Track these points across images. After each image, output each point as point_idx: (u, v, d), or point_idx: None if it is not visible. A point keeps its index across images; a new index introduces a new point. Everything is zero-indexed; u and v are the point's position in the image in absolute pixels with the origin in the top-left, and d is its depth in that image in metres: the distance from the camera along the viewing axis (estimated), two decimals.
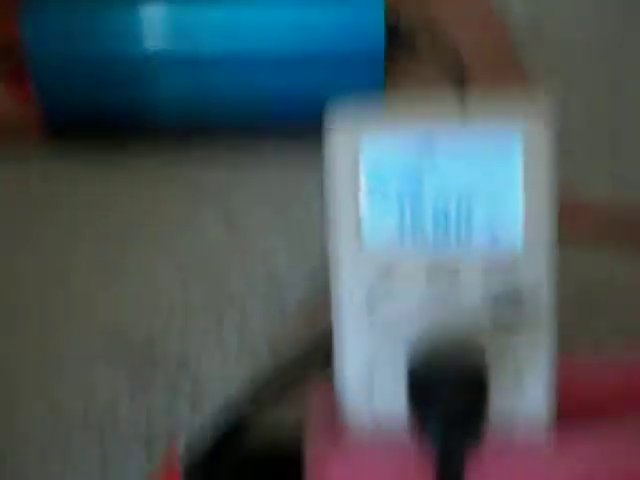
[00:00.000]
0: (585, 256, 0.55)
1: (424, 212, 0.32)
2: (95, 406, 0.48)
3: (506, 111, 0.32)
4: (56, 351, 0.52)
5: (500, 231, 0.32)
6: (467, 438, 0.29)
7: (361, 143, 0.32)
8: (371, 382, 0.34)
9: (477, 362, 0.31)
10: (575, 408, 0.35)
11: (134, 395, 0.48)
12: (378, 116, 0.32)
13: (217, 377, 0.48)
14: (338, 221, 0.33)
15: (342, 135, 0.32)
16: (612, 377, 0.38)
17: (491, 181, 0.32)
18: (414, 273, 0.33)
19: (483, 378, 0.30)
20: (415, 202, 0.32)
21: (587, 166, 0.61)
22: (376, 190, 0.32)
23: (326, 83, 0.61)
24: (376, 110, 0.33)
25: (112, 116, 0.64)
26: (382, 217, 0.33)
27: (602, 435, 0.33)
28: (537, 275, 0.32)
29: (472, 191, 0.32)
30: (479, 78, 0.67)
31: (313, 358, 0.48)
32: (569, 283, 0.36)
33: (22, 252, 0.58)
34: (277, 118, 0.64)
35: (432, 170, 0.32)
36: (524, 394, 0.33)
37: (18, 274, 0.57)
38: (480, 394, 0.30)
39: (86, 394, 0.49)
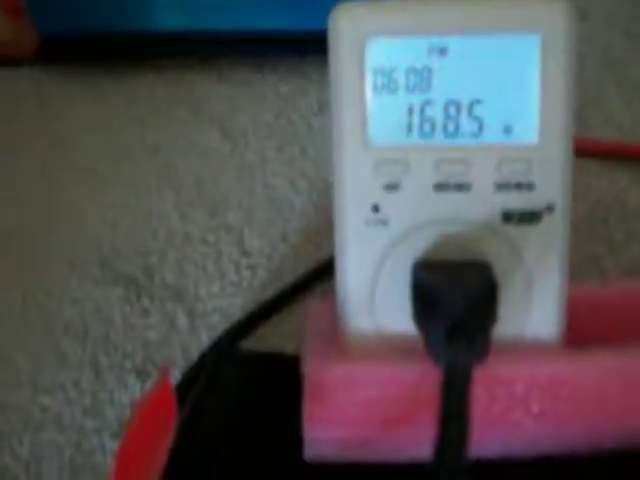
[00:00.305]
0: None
1: (434, 104, 0.30)
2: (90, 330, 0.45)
3: (524, 9, 0.29)
4: (51, 268, 0.49)
5: (515, 123, 0.30)
6: (473, 350, 0.27)
7: (367, 37, 0.29)
8: (374, 293, 0.32)
9: (484, 275, 0.29)
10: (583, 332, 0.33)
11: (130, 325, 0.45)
12: (387, 9, 0.30)
13: (214, 308, 0.46)
14: (342, 120, 0.30)
15: (347, 28, 0.30)
16: (617, 305, 0.36)
17: (507, 75, 0.29)
18: (423, 168, 0.30)
19: (490, 290, 0.28)
20: (424, 96, 0.30)
21: None
22: (383, 86, 0.30)
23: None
24: (387, 3, 0.30)
25: (107, 38, 0.61)
26: (389, 113, 0.30)
27: (612, 351, 0.31)
28: (552, 171, 0.30)
29: (486, 84, 0.30)
30: None
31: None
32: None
33: (20, 165, 0.56)
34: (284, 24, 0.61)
35: (443, 66, 0.29)
36: (534, 310, 0.31)
37: (16, 188, 0.55)
38: (487, 311, 0.28)
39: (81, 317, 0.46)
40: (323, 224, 0.48)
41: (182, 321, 0.45)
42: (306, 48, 0.63)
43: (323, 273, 0.45)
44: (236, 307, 0.46)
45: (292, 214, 0.52)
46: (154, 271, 0.48)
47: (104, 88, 0.63)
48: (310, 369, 0.32)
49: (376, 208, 0.31)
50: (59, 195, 0.54)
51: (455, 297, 0.27)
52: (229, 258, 0.48)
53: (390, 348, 0.32)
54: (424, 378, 0.29)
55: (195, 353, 0.43)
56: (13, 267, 0.49)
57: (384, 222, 0.31)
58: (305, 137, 0.57)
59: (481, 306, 0.28)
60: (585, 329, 0.36)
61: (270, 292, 0.46)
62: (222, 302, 0.46)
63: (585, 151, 0.55)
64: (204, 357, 0.41)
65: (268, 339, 0.44)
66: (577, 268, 0.44)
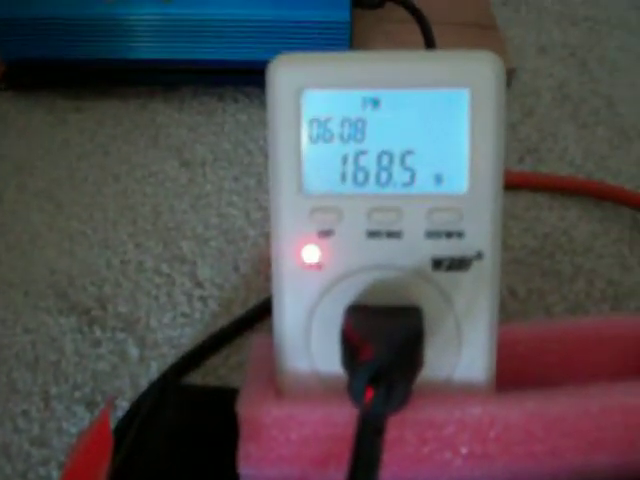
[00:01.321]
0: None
1: (368, 154, 0.31)
2: (41, 359, 0.46)
3: (453, 65, 0.30)
4: (6, 295, 0.50)
5: (445, 173, 0.31)
6: (391, 401, 0.28)
7: (303, 89, 0.30)
8: (309, 335, 0.33)
9: (412, 321, 0.30)
10: (514, 372, 0.34)
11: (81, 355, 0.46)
12: (324, 61, 0.31)
13: (165, 340, 0.46)
14: (278, 168, 0.31)
15: (284, 80, 0.31)
16: (552, 342, 0.37)
17: (437, 128, 0.31)
18: (356, 216, 0.31)
19: (417, 336, 0.29)
20: (358, 146, 0.31)
21: None
22: (318, 136, 0.31)
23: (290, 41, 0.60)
24: (322, 56, 0.31)
25: (71, 65, 0.62)
26: (324, 162, 0.31)
27: (537, 393, 0.32)
28: (481, 220, 0.31)
29: (418, 136, 0.31)
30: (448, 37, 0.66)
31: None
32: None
33: None
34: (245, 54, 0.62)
35: (377, 117, 0.30)
36: (464, 354, 0.32)
37: None
38: (412, 358, 0.29)
39: (33, 345, 0.47)
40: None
41: (133, 352, 0.46)
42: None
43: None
44: (187, 338, 0.46)
45: (245, 245, 0.52)
46: (107, 301, 0.49)
47: (67, 115, 0.64)
48: (246, 408, 0.33)
49: (311, 254, 0.31)
50: (17, 221, 0.55)
51: (380, 345, 0.28)
52: (181, 289, 0.49)
53: (325, 388, 0.33)
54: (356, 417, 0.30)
55: (144, 384, 0.44)
56: None
57: (319, 267, 0.32)
58: (262, 167, 0.58)
59: (405, 355, 0.29)
60: (525, 367, 0.37)
61: (221, 323, 0.47)
62: (173, 333, 0.47)
63: (537, 185, 0.57)
64: (150, 389, 0.42)
65: (217, 370, 0.45)
66: (523, 302, 0.46)
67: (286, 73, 0.30)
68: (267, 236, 0.53)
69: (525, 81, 0.69)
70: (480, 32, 0.71)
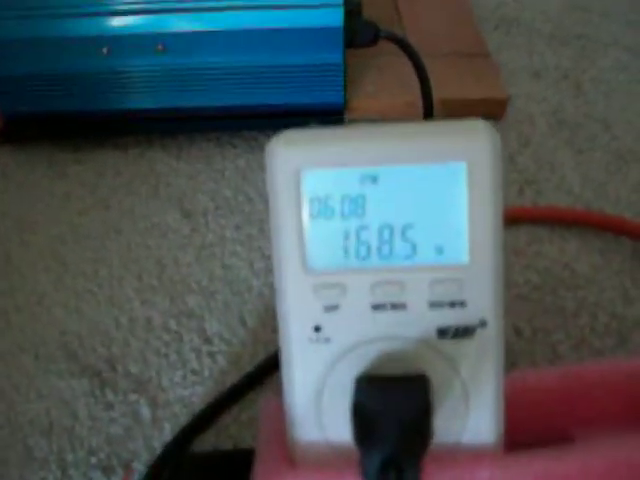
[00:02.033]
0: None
1: (369, 229, 0.31)
2: (55, 425, 0.47)
3: (450, 140, 0.31)
4: (14, 358, 0.50)
5: (446, 245, 0.31)
6: (404, 478, 0.28)
7: (302, 168, 0.31)
8: (319, 406, 0.33)
9: (420, 400, 0.30)
10: (521, 420, 0.35)
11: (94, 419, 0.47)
12: (321, 141, 0.31)
13: (177, 399, 0.47)
14: (282, 246, 0.32)
15: (283, 160, 0.31)
16: (558, 390, 0.37)
17: (436, 201, 0.31)
18: (360, 290, 0.32)
19: (425, 417, 0.30)
20: (359, 221, 0.31)
21: None
22: (319, 213, 0.31)
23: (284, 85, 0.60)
24: (319, 135, 0.32)
25: (69, 117, 0.63)
26: (326, 239, 0.32)
27: (545, 455, 0.33)
28: (483, 288, 0.31)
29: (417, 209, 0.31)
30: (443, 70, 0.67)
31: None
32: None
33: None
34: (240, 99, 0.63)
35: (376, 192, 0.31)
36: (471, 418, 0.33)
37: None
38: (421, 432, 0.29)
39: (47, 411, 0.47)
40: None
41: (145, 413, 0.46)
42: (263, 122, 0.65)
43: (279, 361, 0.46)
44: (197, 396, 0.47)
45: (250, 296, 0.53)
46: (117, 361, 0.49)
47: (67, 167, 0.64)
48: (260, 478, 0.33)
49: (317, 328, 0.32)
50: (24, 281, 0.55)
51: (390, 425, 0.29)
52: (190, 345, 0.50)
53: (337, 457, 0.33)
54: None
55: (158, 445, 0.44)
56: None
57: (326, 340, 0.32)
58: (263, 215, 0.59)
59: (415, 432, 0.29)
60: (532, 415, 0.37)
61: (230, 379, 0.47)
62: (184, 392, 0.47)
63: (536, 218, 0.57)
64: (165, 453, 0.43)
65: (229, 428, 0.45)
66: (529, 342, 0.47)
67: (285, 154, 0.31)
68: (271, 286, 0.53)
69: (519, 107, 0.70)
70: (473, 61, 0.71)
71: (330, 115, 0.64)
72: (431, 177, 0.31)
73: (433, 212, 0.31)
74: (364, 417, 0.30)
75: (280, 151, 0.31)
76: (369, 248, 0.31)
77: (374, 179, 0.31)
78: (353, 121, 0.66)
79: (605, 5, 0.86)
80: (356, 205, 0.31)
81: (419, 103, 0.60)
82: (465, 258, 0.31)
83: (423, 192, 0.31)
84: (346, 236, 0.31)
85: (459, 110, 0.66)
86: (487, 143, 0.30)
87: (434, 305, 0.31)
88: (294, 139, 0.31)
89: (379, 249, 0.31)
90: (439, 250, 0.31)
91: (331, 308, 0.32)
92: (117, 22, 0.61)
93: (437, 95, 0.61)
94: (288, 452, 0.34)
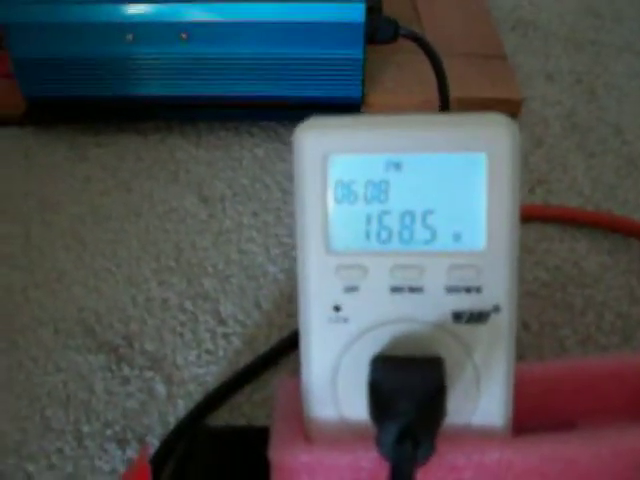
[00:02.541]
0: None
1: (391, 214, 0.33)
2: (72, 397, 0.48)
3: (471, 130, 0.32)
4: (33, 333, 0.51)
5: (464, 231, 0.33)
6: (419, 451, 0.29)
7: (329, 154, 0.32)
8: (335, 384, 0.34)
9: (435, 375, 0.31)
10: (529, 410, 0.36)
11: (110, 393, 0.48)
12: (347, 127, 0.33)
13: (191, 377, 0.49)
14: (306, 227, 0.33)
15: (310, 145, 0.32)
16: (565, 381, 0.39)
17: (456, 189, 0.32)
18: (380, 273, 0.33)
19: (440, 389, 0.31)
20: (382, 206, 0.33)
21: None
22: (343, 197, 0.32)
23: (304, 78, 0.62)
24: (346, 121, 0.33)
25: (91, 102, 0.64)
26: (349, 222, 0.33)
27: (553, 439, 0.34)
28: (498, 275, 0.32)
29: (438, 196, 0.32)
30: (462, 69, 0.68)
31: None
32: None
33: (5, 227, 0.60)
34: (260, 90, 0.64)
35: (399, 179, 0.32)
36: (482, 401, 0.34)
37: (2, 250, 0.58)
38: (436, 410, 0.31)
39: (65, 384, 0.49)
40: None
41: (160, 389, 0.47)
42: (281, 113, 0.66)
43: (294, 343, 0.48)
44: (212, 376, 0.48)
45: (265, 281, 0.54)
46: (134, 339, 0.50)
47: (88, 150, 0.66)
48: (276, 454, 0.34)
49: (337, 308, 0.33)
50: (44, 259, 0.57)
51: (406, 400, 0.30)
52: (205, 326, 0.51)
53: (351, 434, 0.35)
54: (381, 464, 0.31)
55: (172, 421, 0.46)
56: (2, 332, 0.52)
57: (345, 320, 0.33)
58: (280, 203, 0.60)
59: (429, 409, 0.30)
60: (540, 405, 0.39)
61: (244, 360, 0.49)
62: (199, 371, 0.49)
63: (547, 217, 0.59)
64: (180, 428, 0.44)
65: (242, 407, 0.46)
66: (537, 336, 0.48)
67: (312, 139, 0.32)
68: (287, 272, 0.55)
69: (534, 109, 0.71)
70: (489, 62, 0.73)
71: (348, 110, 0.65)
72: (452, 166, 0.32)
73: (453, 200, 0.32)
74: (380, 395, 0.31)
75: (308, 136, 0.32)
76: (390, 232, 0.33)
77: (398, 166, 0.32)
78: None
79: (617, 10, 0.87)
80: (379, 190, 0.32)
81: (436, 101, 0.62)
82: (482, 245, 0.32)
83: (444, 180, 0.32)
84: (368, 220, 0.33)
85: (474, 109, 0.67)
86: (507, 136, 0.31)
87: (451, 290, 0.32)
88: (321, 125, 0.32)
89: (400, 234, 0.33)
90: (457, 237, 0.32)
91: (351, 289, 0.33)
92: (142, 10, 0.62)
93: (453, 94, 0.62)
94: (304, 428, 0.35)
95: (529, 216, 0.59)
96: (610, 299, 0.53)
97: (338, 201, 0.32)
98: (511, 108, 0.69)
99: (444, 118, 0.34)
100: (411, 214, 0.32)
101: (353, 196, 0.32)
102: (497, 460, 0.33)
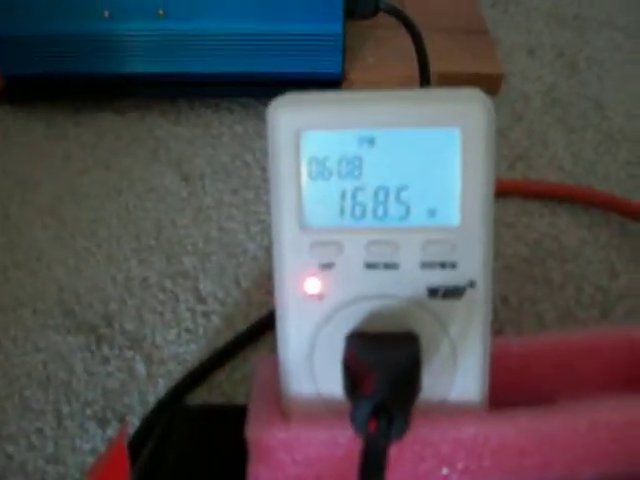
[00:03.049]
0: None
1: (364, 190, 0.33)
2: (52, 377, 0.48)
3: (445, 105, 0.32)
4: (13, 312, 0.51)
5: (438, 207, 0.33)
6: (393, 427, 0.29)
7: (302, 130, 0.32)
8: (311, 360, 0.34)
9: (410, 350, 0.31)
10: (507, 384, 0.36)
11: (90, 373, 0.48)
12: (321, 103, 0.32)
13: (171, 356, 0.48)
14: (280, 204, 0.33)
15: (284, 122, 0.32)
16: (544, 356, 0.39)
17: (430, 164, 0.32)
18: (355, 249, 0.33)
19: (415, 371, 0.31)
20: (355, 182, 0.32)
21: None
22: (317, 173, 0.32)
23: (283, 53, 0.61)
24: (319, 97, 0.33)
25: (70, 79, 0.64)
26: (323, 198, 0.33)
27: (528, 410, 0.34)
28: (473, 250, 0.32)
29: (412, 172, 0.32)
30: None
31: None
32: None
33: None
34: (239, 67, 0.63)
35: (372, 155, 0.32)
36: (458, 376, 0.34)
37: None
38: (410, 386, 0.31)
39: (44, 364, 0.49)
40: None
41: (140, 369, 0.47)
42: (260, 90, 0.65)
43: (273, 321, 0.48)
44: (191, 354, 0.48)
45: (245, 258, 0.54)
46: (114, 318, 0.50)
47: (67, 129, 0.65)
48: (254, 431, 0.34)
49: (311, 287, 0.33)
50: (23, 238, 0.56)
51: (380, 376, 0.30)
52: (185, 305, 0.51)
53: (327, 410, 0.35)
54: (358, 440, 0.31)
55: (152, 400, 0.46)
56: None
57: (320, 297, 0.33)
58: (259, 180, 0.60)
59: (405, 384, 0.31)
60: (517, 380, 0.39)
61: (224, 338, 0.49)
62: (178, 349, 0.49)
63: (527, 192, 0.59)
64: (160, 407, 0.44)
65: (222, 385, 0.46)
66: (516, 311, 0.48)
67: (286, 115, 0.32)
68: (266, 249, 0.54)
69: (514, 85, 0.71)
70: (470, 37, 0.72)
71: (328, 85, 0.65)
72: (426, 141, 0.32)
73: (427, 175, 0.32)
74: (354, 369, 0.31)
75: (281, 112, 0.32)
76: (364, 208, 0.33)
77: (371, 141, 0.32)
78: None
79: None
80: (353, 166, 0.32)
81: (417, 76, 0.61)
82: (457, 221, 0.32)
83: (418, 155, 0.32)
84: (342, 196, 0.32)
85: (455, 84, 0.67)
86: (481, 111, 0.31)
87: (425, 265, 0.32)
88: (295, 101, 0.32)
89: (374, 210, 0.33)
90: (432, 212, 0.32)
91: (326, 266, 0.33)
92: None
93: (434, 69, 0.62)
94: (281, 405, 0.35)
95: (508, 190, 0.59)
96: (589, 273, 0.53)
97: (312, 177, 0.32)
98: (492, 83, 0.69)
99: (418, 93, 0.34)
100: (385, 190, 0.32)
101: (327, 172, 0.32)
102: (473, 435, 0.34)
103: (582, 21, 0.80)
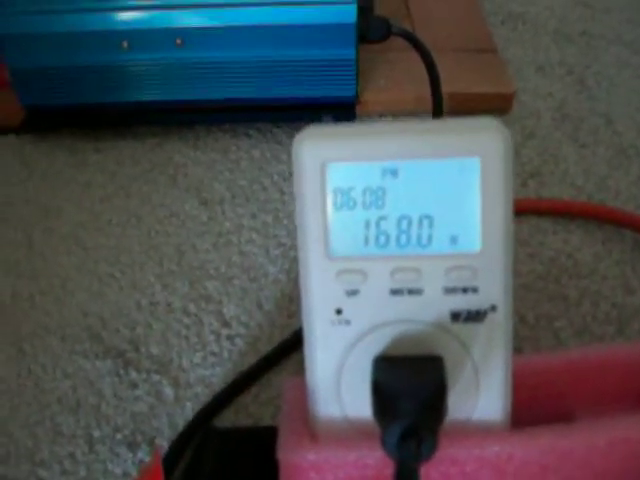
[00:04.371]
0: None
1: (388, 219, 0.34)
2: (82, 403, 0.49)
3: (465, 136, 0.33)
4: (41, 340, 0.53)
5: (460, 234, 0.34)
6: (423, 449, 0.31)
7: (327, 162, 0.33)
8: (339, 384, 0.36)
9: (435, 375, 0.33)
10: (528, 401, 0.37)
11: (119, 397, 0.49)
12: (345, 136, 0.34)
13: (198, 379, 0.50)
14: (307, 234, 0.34)
15: (309, 154, 0.33)
16: (561, 373, 0.40)
17: (452, 193, 0.33)
18: (379, 276, 0.34)
19: (441, 394, 0.32)
20: (379, 212, 0.34)
21: None
22: (342, 204, 0.34)
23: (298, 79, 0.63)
24: (343, 130, 0.34)
25: (89, 108, 0.65)
26: (348, 228, 0.34)
27: (551, 431, 0.35)
28: (494, 275, 0.34)
29: (434, 201, 0.33)
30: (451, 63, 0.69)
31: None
32: None
33: (7, 233, 0.61)
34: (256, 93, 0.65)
35: (395, 185, 0.33)
36: (481, 397, 0.35)
37: (6, 257, 0.59)
38: (437, 408, 0.32)
39: (74, 390, 0.50)
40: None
41: (168, 392, 0.49)
42: (277, 115, 0.67)
43: (296, 343, 0.49)
44: (217, 377, 0.49)
45: (267, 281, 0.55)
46: (140, 343, 0.51)
47: (88, 156, 0.67)
48: (284, 453, 0.36)
49: (339, 311, 0.34)
50: (47, 265, 0.58)
51: (408, 400, 0.31)
52: (210, 328, 0.52)
53: (355, 432, 0.36)
54: (386, 461, 0.32)
55: (180, 423, 0.47)
56: (9, 339, 0.53)
57: (347, 322, 0.35)
58: (278, 203, 0.61)
59: (431, 407, 0.32)
60: (538, 396, 0.40)
61: (248, 360, 0.50)
62: (204, 372, 0.50)
63: (541, 210, 0.60)
64: (189, 430, 0.45)
65: (248, 407, 0.48)
66: (533, 328, 0.49)
67: (311, 148, 0.33)
68: (287, 272, 0.56)
69: (525, 102, 0.72)
70: (481, 56, 0.74)
71: (342, 108, 0.67)
72: (447, 171, 0.33)
73: (448, 204, 0.33)
74: (383, 393, 0.32)
75: (307, 145, 0.33)
76: (388, 237, 0.34)
77: (394, 173, 0.33)
78: (364, 114, 0.69)
79: (607, 1, 0.88)
80: (377, 197, 0.33)
81: (428, 97, 0.63)
82: (478, 247, 0.33)
83: (440, 185, 0.33)
84: (367, 225, 0.34)
85: (467, 104, 0.69)
86: (500, 141, 0.32)
87: (448, 291, 0.34)
88: (320, 134, 0.34)
89: (398, 238, 0.34)
90: (454, 240, 0.34)
91: (352, 292, 0.34)
92: (137, 17, 0.63)
93: (446, 89, 0.63)
94: (309, 427, 0.37)
95: (522, 209, 0.60)
96: (605, 289, 0.54)
97: (337, 208, 0.33)
98: (503, 102, 0.70)
99: (437, 124, 0.35)
100: (408, 219, 0.33)
101: (352, 202, 0.33)
102: (497, 453, 0.35)
103: (589, 37, 0.82)
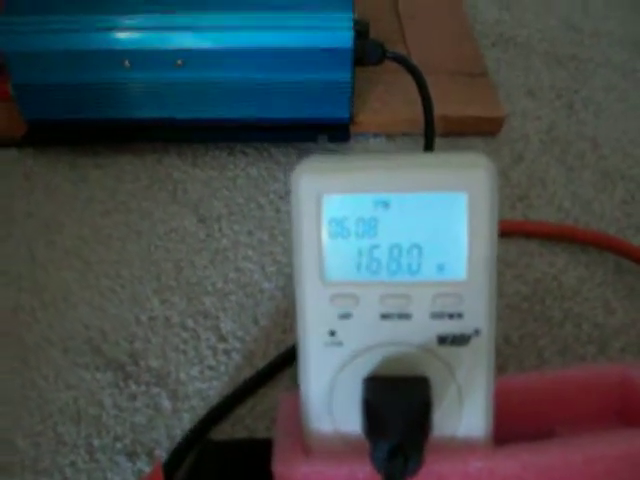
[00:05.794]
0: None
1: (380, 248, 0.36)
2: (83, 413, 0.51)
3: (453, 172, 0.35)
4: (43, 352, 0.55)
5: (447, 263, 0.36)
6: (409, 465, 0.33)
7: (323, 194, 0.35)
8: (331, 401, 0.38)
9: (421, 398, 0.35)
10: (510, 419, 0.39)
11: (119, 408, 0.52)
12: (340, 169, 0.36)
13: (195, 392, 0.52)
14: (303, 260, 0.36)
15: (306, 186, 0.36)
16: (542, 392, 0.42)
17: (440, 224, 0.35)
18: (370, 301, 0.36)
19: (426, 412, 0.34)
20: (371, 241, 0.36)
21: None
22: (337, 232, 0.36)
23: (294, 100, 0.65)
24: (339, 163, 0.36)
25: (90, 124, 0.68)
26: (342, 255, 0.36)
27: (531, 447, 0.37)
28: (478, 302, 0.36)
29: (423, 231, 0.36)
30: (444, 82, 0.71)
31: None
32: None
33: (9, 247, 0.62)
34: (253, 113, 0.68)
35: (387, 216, 0.35)
36: (465, 415, 0.37)
37: (8, 270, 0.61)
38: (423, 426, 0.34)
39: (75, 401, 0.52)
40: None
41: (166, 404, 0.51)
42: (273, 135, 0.69)
43: (291, 358, 0.51)
44: (214, 390, 0.51)
45: (262, 297, 0.57)
46: (139, 356, 0.54)
47: (88, 172, 0.68)
48: (278, 466, 0.38)
49: (332, 333, 0.37)
50: (49, 279, 0.60)
51: (396, 419, 0.34)
52: (207, 343, 0.54)
53: (345, 446, 0.38)
54: (375, 476, 0.35)
55: (178, 434, 0.49)
56: (13, 351, 0.55)
57: (339, 344, 0.37)
58: (273, 221, 0.63)
59: (418, 426, 0.34)
60: (519, 414, 0.42)
61: (244, 374, 0.52)
62: (202, 385, 0.52)
63: (527, 233, 0.62)
64: (186, 441, 0.47)
65: (244, 420, 0.50)
66: (517, 347, 0.51)
67: (308, 180, 0.35)
68: (282, 289, 0.58)
69: (514, 125, 0.74)
70: (472, 80, 0.76)
71: (337, 129, 0.69)
72: (436, 204, 0.35)
73: (437, 234, 0.35)
74: (373, 412, 0.34)
75: (304, 178, 0.35)
76: (379, 264, 0.36)
77: (386, 204, 0.35)
78: (359, 134, 0.71)
79: (596, 25, 0.90)
80: (369, 227, 0.36)
81: (421, 119, 0.65)
82: (463, 275, 0.36)
83: (429, 217, 0.35)
84: (360, 253, 0.36)
85: (458, 126, 0.71)
86: (486, 177, 0.35)
87: (435, 316, 0.36)
88: (316, 167, 0.36)
89: (388, 265, 0.36)
90: (441, 268, 0.36)
91: (345, 315, 0.36)
92: (140, 37, 0.65)
93: (438, 112, 0.65)
94: (303, 442, 0.39)
95: (510, 231, 0.62)
96: (587, 310, 0.56)
97: (332, 236, 0.36)
98: (493, 125, 0.72)
99: (428, 159, 0.37)
100: (398, 247, 0.36)
101: (346, 232, 0.36)
102: (479, 468, 0.37)
103: (578, 62, 0.84)
